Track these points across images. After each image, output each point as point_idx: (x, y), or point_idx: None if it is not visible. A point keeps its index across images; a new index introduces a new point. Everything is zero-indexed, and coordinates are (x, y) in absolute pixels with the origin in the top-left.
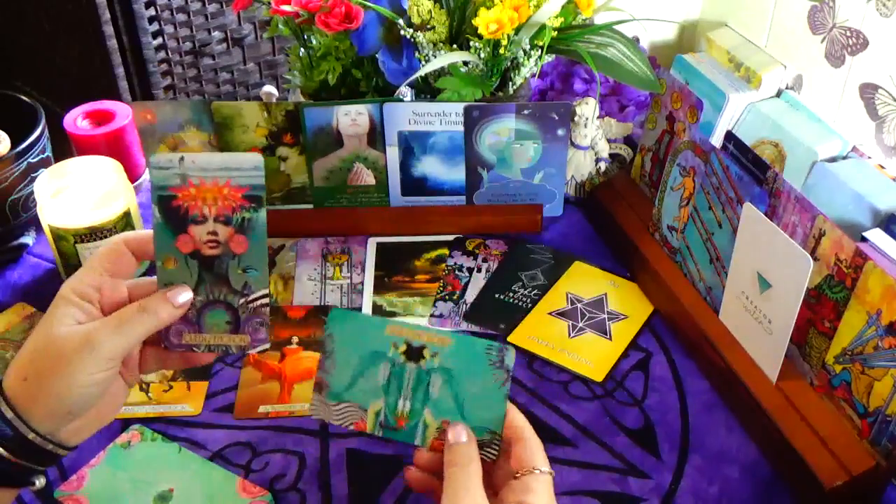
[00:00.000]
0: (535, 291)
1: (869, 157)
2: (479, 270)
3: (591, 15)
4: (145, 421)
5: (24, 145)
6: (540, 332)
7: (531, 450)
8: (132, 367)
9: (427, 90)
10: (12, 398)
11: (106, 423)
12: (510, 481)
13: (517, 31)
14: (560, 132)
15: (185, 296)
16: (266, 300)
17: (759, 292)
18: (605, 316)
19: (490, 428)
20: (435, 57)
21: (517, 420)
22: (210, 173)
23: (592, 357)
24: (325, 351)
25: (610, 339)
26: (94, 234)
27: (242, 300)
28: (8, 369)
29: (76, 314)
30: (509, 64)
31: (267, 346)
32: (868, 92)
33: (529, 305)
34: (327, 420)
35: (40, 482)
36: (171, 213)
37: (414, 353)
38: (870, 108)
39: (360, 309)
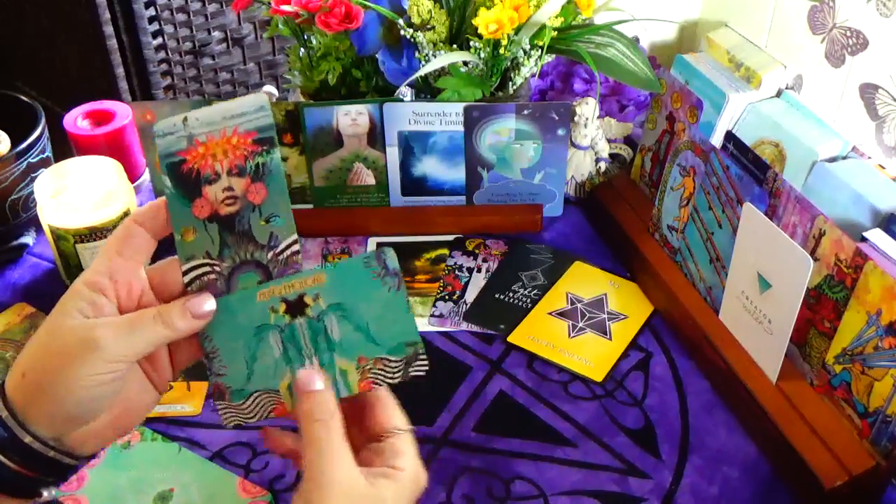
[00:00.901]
0: (535, 291)
1: (869, 157)
2: (479, 270)
3: (591, 15)
4: (145, 421)
5: (24, 145)
6: (540, 332)
7: (389, 409)
8: (162, 368)
9: (427, 90)
10: (11, 397)
11: (127, 431)
12: (373, 444)
13: (517, 31)
14: (560, 132)
15: (207, 305)
16: (296, 247)
17: (759, 292)
18: (605, 316)
19: (408, 341)
20: (435, 57)
21: None
22: (216, 126)
23: (592, 357)
24: (207, 353)
25: (610, 339)
26: (94, 234)
27: (271, 254)
28: (12, 366)
29: (83, 307)
30: (509, 64)
31: None
32: (868, 92)
33: (529, 305)
34: (244, 423)
35: (50, 493)
36: (183, 178)
37: (296, 307)
38: (870, 108)
39: None
